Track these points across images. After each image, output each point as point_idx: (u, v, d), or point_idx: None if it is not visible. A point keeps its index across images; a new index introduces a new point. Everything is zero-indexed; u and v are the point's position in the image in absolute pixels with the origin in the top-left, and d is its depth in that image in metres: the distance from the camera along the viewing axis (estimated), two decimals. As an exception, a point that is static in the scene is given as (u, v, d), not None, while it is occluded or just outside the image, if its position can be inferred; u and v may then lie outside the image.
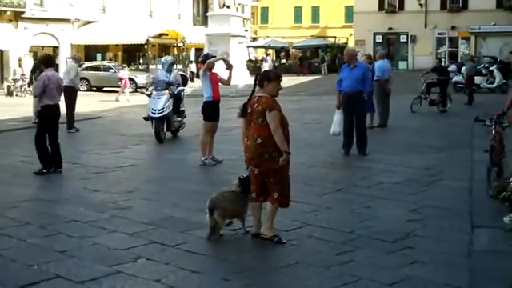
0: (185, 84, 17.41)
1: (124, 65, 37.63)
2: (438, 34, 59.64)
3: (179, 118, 16.21)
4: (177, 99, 15.77)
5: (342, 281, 5.95)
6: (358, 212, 8.54)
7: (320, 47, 64.72)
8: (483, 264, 6.40)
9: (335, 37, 64.88)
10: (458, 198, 9.29)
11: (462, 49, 59.53)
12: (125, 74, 32.02)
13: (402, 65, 58.90)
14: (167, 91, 15.35)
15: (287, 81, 43.18)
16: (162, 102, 15.14)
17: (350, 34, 64.39)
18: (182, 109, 16.44)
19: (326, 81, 40.11)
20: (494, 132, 9.53)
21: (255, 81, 7.34)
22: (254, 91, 7.30)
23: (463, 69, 27.77)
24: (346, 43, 60.29)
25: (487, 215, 8.18)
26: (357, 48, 31.48)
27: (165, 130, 15.39)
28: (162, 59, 17.48)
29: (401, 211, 8.57)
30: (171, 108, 15.34)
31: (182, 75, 17.61)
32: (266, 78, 7.24)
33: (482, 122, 9.84)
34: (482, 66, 37.22)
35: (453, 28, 58.82)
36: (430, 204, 8.95)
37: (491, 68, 33.38)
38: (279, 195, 7.16)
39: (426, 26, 59.58)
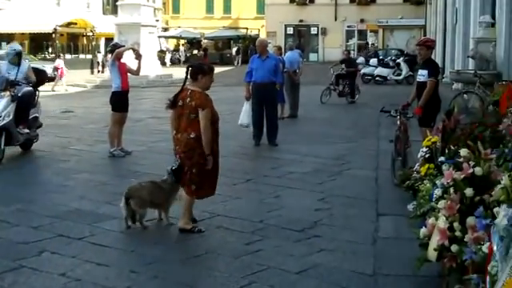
0: (41, 82, 12.94)
1: (60, 54, 36.42)
2: (348, 26, 60.92)
3: (26, 130, 11.91)
4: (24, 103, 11.76)
5: (250, 270, 5.98)
6: (267, 202, 8.60)
7: (232, 38, 64.86)
8: (387, 250, 6.57)
9: (247, 28, 65.09)
10: (365, 187, 9.49)
11: (371, 41, 60.95)
12: (61, 63, 30.99)
13: (312, 57, 59.80)
14: (8, 93, 11.35)
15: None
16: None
17: (262, 26, 64.82)
18: (33, 116, 12.37)
19: (239, 72, 40.16)
20: (398, 122, 9.79)
21: (186, 73, 7.23)
22: (184, 83, 7.23)
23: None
24: (258, 35, 60.55)
25: (392, 203, 8.39)
26: (268, 39, 31.63)
27: (2, 145, 11.22)
28: (7, 48, 12.96)
29: (309, 200, 8.69)
30: (12, 116, 11.29)
31: (37, 70, 12.98)
32: (200, 72, 7.17)
33: (387, 112, 10.08)
34: (389, 58, 38.21)
35: (362, 21, 60.23)
36: (338, 193, 9.11)
37: (398, 60, 34.29)
38: (196, 188, 7.20)
39: (335, 19, 60.72)
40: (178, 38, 66.04)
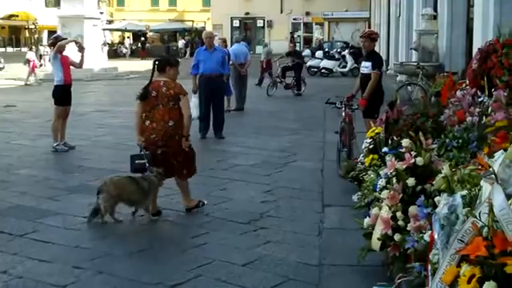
0: None
1: (32, 46, 35.33)
2: (294, 19, 61.19)
3: None
4: None
5: (196, 263, 5.95)
6: (214, 195, 8.57)
7: (178, 31, 64.47)
8: (332, 241, 6.61)
9: (193, 21, 64.79)
10: (311, 179, 9.54)
11: (317, 34, 61.38)
12: (32, 55, 30.13)
13: (259, 49, 59.64)
14: None
15: (146, 64, 42.66)
16: None
17: (208, 18, 64.59)
18: None
19: (187, 64, 39.98)
20: (343, 114, 9.86)
21: (153, 66, 7.58)
22: (152, 76, 7.56)
23: (262, 52, 27.55)
24: (204, 27, 60.38)
25: (337, 194, 8.44)
26: (214, 32, 31.56)
27: None
28: None
29: (255, 193, 8.69)
30: None
31: None
32: (168, 64, 7.63)
33: (332, 104, 10.14)
34: (334, 50, 38.50)
35: (307, 14, 60.49)
36: (284, 185, 9.14)
37: (343, 53, 34.58)
38: (187, 170, 7.69)
39: (281, 12, 60.85)
40: (123, 30, 65.29)
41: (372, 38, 10.36)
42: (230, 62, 17.05)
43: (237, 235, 6.84)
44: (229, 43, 25.07)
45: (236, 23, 62.12)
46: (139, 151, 7.52)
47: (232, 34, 51.36)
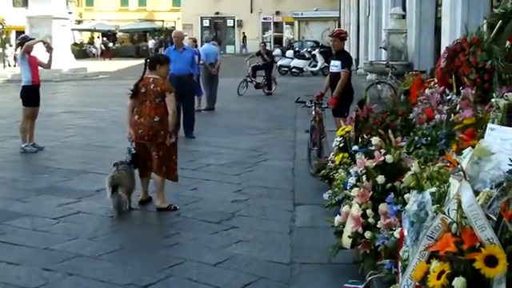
0: None
1: None
2: (264, 18, 61.28)
3: None
4: None
5: (167, 263, 5.92)
6: (184, 195, 8.52)
7: (148, 31, 64.19)
8: (304, 239, 6.62)
9: (163, 20, 64.55)
10: (282, 178, 9.55)
11: (287, 33, 61.56)
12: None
13: (229, 49, 59.85)
14: None
15: (116, 64, 42.46)
16: None
17: (178, 18, 64.41)
18: None
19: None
20: (313, 113, 9.89)
21: (145, 64, 7.90)
22: (144, 73, 7.82)
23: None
24: (174, 27, 60.16)
25: (308, 193, 8.46)
26: (185, 32, 31.44)
27: None
28: None
29: (226, 192, 8.68)
30: None
31: None
32: (158, 62, 7.89)
33: (302, 103, 10.17)
34: (305, 50, 38.64)
35: (277, 13, 60.62)
36: (255, 184, 9.14)
37: (314, 52, 34.72)
38: (166, 169, 7.72)
39: (251, 11, 60.89)
40: (93, 30, 64.80)
41: (341, 37, 10.41)
42: (201, 62, 17.03)
43: (208, 235, 6.82)
44: (199, 43, 25.01)
45: (206, 23, 62.07)
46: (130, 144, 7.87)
47: (202, 33, 51.18)
